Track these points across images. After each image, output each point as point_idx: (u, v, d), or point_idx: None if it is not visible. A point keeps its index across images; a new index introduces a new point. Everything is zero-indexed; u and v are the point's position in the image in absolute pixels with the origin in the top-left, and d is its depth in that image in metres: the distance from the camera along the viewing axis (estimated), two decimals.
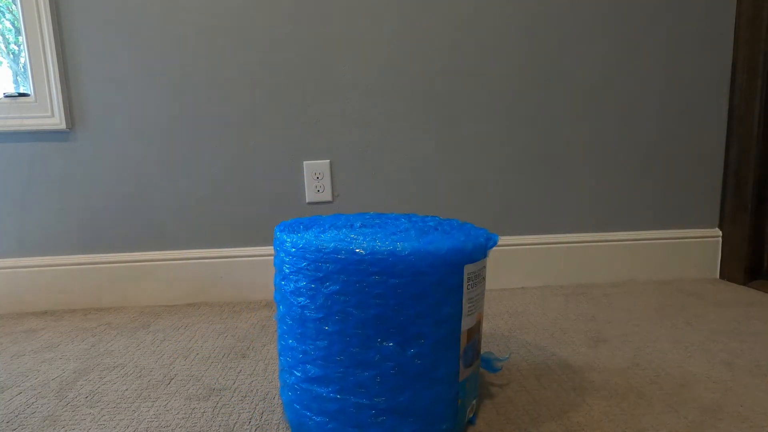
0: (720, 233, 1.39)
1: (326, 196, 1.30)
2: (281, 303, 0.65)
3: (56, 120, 1.21)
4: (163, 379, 0.85)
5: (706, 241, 1.39)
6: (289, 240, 0.62)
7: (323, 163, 1.28)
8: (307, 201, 1.30)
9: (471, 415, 0.68)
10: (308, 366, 0.61)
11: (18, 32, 1.27)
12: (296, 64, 1.24)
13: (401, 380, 0.59)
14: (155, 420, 0.72)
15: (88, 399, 0.79)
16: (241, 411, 0.74)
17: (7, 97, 1.21)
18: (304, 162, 1.28)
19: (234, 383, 0.83)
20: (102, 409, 0.75)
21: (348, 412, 0.59)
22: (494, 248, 1.34)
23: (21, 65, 1.29)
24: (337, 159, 1.29)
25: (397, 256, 0.57)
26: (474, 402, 0.69)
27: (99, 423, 0.71)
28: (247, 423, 0.70)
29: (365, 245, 0.58)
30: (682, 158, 1.36)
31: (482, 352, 0.84)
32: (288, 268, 0.62)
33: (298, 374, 0.62)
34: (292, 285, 0.61)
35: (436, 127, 1.30)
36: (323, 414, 0.61)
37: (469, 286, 0.62)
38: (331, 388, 0.60)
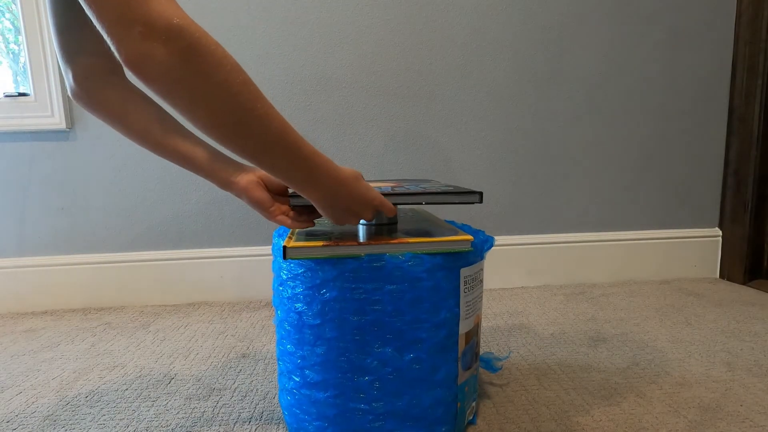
0: (720, 233, 1.39)
1: None
2: (279, 308, 0.65)
3: (56, 120, 1.21)
4: (163, 379, 0.85)
5: (706, 241, 1.39)
6: None
7: None
8: None
9: (471, 417, 0.68)
10: (307, 371, 0.61)
11: (18, 32, 1.27)
12: (296, 62, 1.24)
13: (400, 385, 0.59)
14: (155, 420, 0.72)
15: (88, 399, 0.79)
16: (241, 411, 0.74)
17: (7, 97, 1.21)
18: None
19: (234, 383, 0.83)
20: (102, 409, 0.75)
21: (347, 417, 0.59)
22: (494, 248, 1.34)
23: (21, 65, 1.29)
24: (337, 159, 1.29)
25: (393, 262, 0.57)
26: (474, 403, 0.69)
27: (99, 423, 0.71)
28: (247, 423, 0.70)
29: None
30: (682, 158, 1.36)
31: (482, 352, 0.84)
32: (285, 273, 0.62)
33: (297, 379, 0.62)
34: (289, 291, 0.61)
35: (436, 127, 1.29)
36: (322, 419, 0.61)
37: (466, 290, 0.62)
38: (329, 393, 0.60)
